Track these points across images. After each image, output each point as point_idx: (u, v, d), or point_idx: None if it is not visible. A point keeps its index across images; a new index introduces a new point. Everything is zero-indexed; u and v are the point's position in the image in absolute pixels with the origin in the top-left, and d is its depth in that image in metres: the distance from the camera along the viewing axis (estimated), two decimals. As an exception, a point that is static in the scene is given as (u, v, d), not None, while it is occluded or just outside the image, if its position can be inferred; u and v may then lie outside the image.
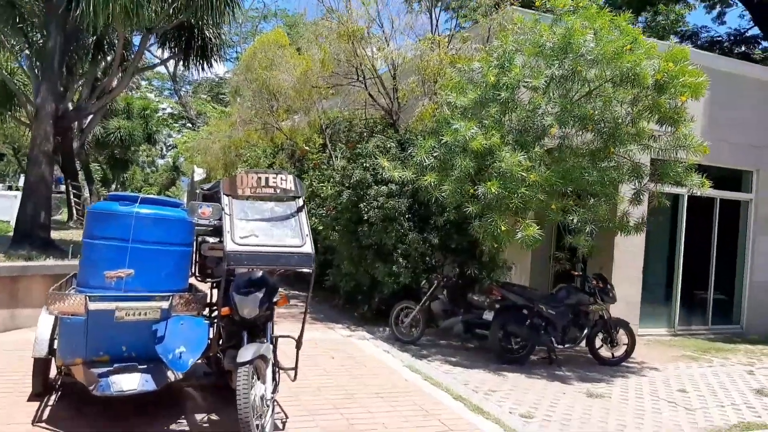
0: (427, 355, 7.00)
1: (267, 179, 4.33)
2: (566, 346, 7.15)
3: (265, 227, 4.25)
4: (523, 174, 6.13)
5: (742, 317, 10.32)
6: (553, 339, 7.05)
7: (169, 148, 39.73)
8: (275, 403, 4.26)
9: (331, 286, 9.77)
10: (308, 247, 4.11)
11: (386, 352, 6.92)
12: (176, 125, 38.21)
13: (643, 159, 7.25)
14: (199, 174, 24.02)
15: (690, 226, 9.97)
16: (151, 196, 4.90)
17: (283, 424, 4.37)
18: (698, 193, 7.56)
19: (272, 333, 4.37)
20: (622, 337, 7.36)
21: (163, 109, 37.34)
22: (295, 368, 4.49)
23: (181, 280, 4.58)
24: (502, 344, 7.03)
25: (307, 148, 10.98)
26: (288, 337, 4.50)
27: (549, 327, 7.06)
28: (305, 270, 4.15)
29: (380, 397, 5.16)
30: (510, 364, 6.86)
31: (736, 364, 7.60)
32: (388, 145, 8.50)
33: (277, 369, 4.33)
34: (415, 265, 8.00)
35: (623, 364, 7.23)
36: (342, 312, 9.25)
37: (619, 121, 6.65)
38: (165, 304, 4.19)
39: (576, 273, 8.09)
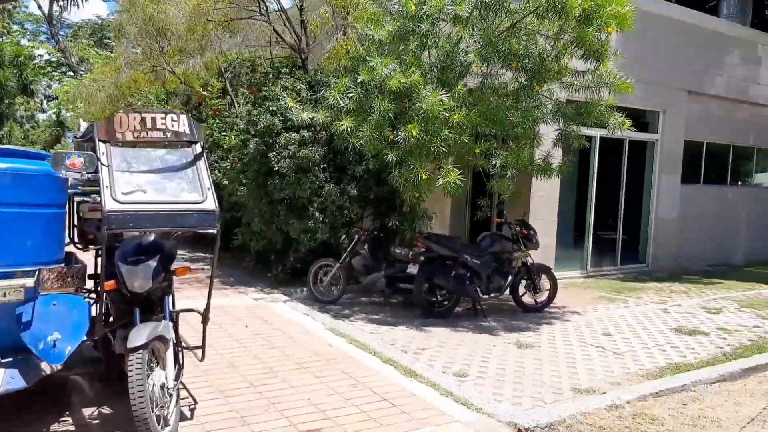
0: (350, 315, 6.55)
1: (153, 120, 3.54)
2: (492, 295, 6.97)
3: (154, 180, 3.50)
4: (445, 114, 5.68)
5: (647, 256, 10.74)
6: (478, 289, 6.82)
7: (50, 100, 35.81)
8: (180, 389, 3.63)
9: (240, 246, 9.01)
10: (210, 203, 3.42)
11: (306, 314, 6.39)
12: (56, 74, 34.39)
13: (560, 99, 7.03)
14: (85, 127, 21.72)
15: (601, 168, 10.08)
16: (7, 146, 3.95)
17: (192, 411, 3.75)
18: (619, 134, 7.49)
19: (171, 308, 3.68)
20: (545, 282, 7.28)
21: (40, 55, 33.34)
22: (203, 346, 3.85)
23: (52, 250, 3.74)
24: (427, 298, 6.71)
25: (204, 93, 9.88)
26: (192, 311, 3.82)
27: (474, 277, 6.82)
28: (209, 231, 3.46)
29: (303, 368, 4.65)
30: (435, 318, 6.58)
31: (650, 303, 7.79)
32: (298, 87, 7.72)
33: (180, 349, 3.67)
34: (333, 219, 7.45)
35: (546, 309, 7.18)
36: (254, 274, 8.57)
37: (544, 56, 6.32)
38: (29, 282, 3.40)
39: (499, 220, 7.89)
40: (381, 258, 7.27)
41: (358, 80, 5.95)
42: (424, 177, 5.97)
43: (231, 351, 5.00)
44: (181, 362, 3.63)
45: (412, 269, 6.85)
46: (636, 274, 10.17)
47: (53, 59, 33.75)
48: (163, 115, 3.57)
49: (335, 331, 5.72)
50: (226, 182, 8.75)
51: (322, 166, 7.42)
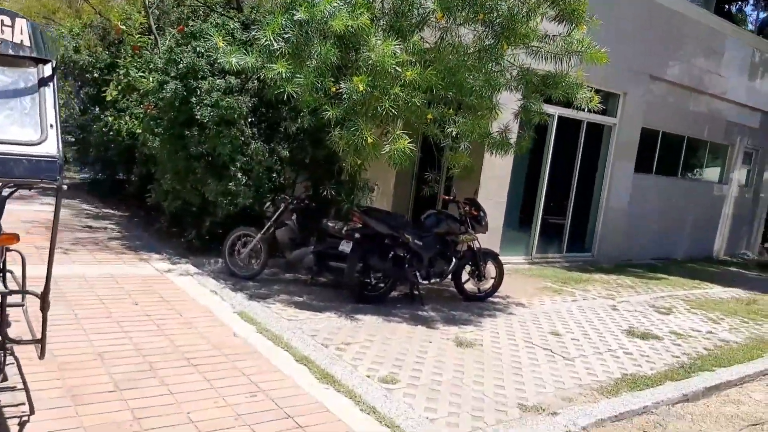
0: (268, 296, 5.64)
1: None
2: (432, 281, 6.23)
3: None
4: (397, 69, 4.79)
5: (594, 245, 10.30)
6: (417, 273, 6.05)
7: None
8: (11, 391, 2.66)
9: (155, 206, 7.88)
10: (52, 146, 2.40)
11: (214, 292, 5.43)
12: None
13: (526, 65, 6.26)
14: None
15: (556, 149, 9.47)
16: None
17: (22, 425, 2.77)
18: (585, 112, 6.85)
19: None
20: (490, 269, 6.60)
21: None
22: (42, 340, 2.81)
23: None
24: (359, 279, 5.89)
25: (122, 26, 8.51)
26: (25, 293, 2.80)
27: (414, 259, 6.04)
28: (48, 185, 2.44)
29: (193, 365, 3.72)
30: (368, 303, 5.77)
31: (598, 297, 7.27)
32: (231, 26, 6.59)
33: (4, 345, 2.67)
34: (259, 182, 6.46)
35: (489, 299, 6.51)
36: (166, 238, 7.47)
37: (515, 11, 5.48)
38: None
39: (446, 197, 7.12)
40: (311, 231, 6.37)
41: (296, 17, 4.95)
42: (369, 141, 5.09)
43: (105, 337, 4.00)
44: (1, 362, 2.62)
45: (345, 247, 5.99)
46: (581, 263, 9.70)
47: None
48: None
49: (244, 316, 4.80)
50: (140, 130, 7.56)
51: (250, 120, 6.39)
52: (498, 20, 5.41)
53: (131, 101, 8.06)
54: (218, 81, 6.30)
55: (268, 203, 6.63)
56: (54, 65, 2.64)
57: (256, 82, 6.44)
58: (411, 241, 5.96)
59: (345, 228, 6.15)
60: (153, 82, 7.31)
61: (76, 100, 10.63)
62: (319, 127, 6.08)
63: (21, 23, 2.54)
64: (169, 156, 6.81)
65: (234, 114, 6.20)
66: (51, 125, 2.46)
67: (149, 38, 8.91)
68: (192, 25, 7.15)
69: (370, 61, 4.82)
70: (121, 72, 8.20)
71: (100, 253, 6.46)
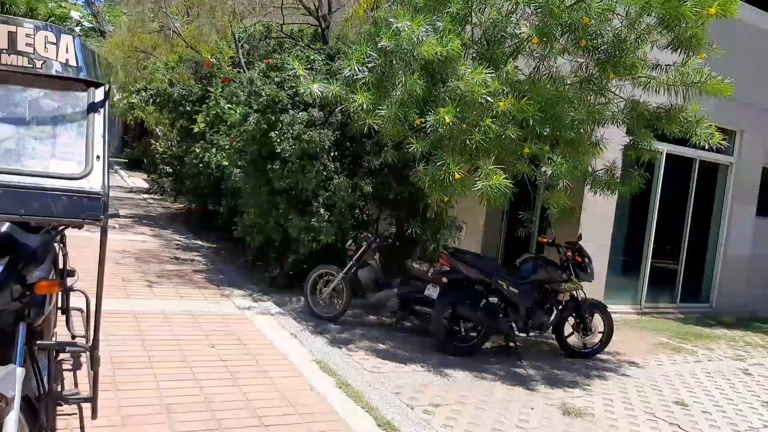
0: (350, 341, 5.21)
1: (13, 37, 2.13)
2: (531, 334, 5.56)
3: (10, 135, 2.18)
4: (488, 99, 4.32)
5: (712, 295, 9.14)
6: (513, 325, 5.42)
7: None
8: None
9: (241, 238, 7.77)
10: (96, 181, 2.08)
11: (293, 335, 5.06)
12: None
13: (635, 97, 5.57)
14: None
15: (665, 189, 8.55)
16: None
17: (73, 494, 2.45)
18: (704, 147, 6.02)
19: (40, 341, 2.35)
20: (597, 322, 5.83)
21: (72, 17, 32.78)
22: (94, 399, 2.47)
23: None
24: (447, 328, 5.34)
25: (212, 60, 8.62)
26: (74, 347, 2.48)
27: (509, 309, 5.42)
28: (94, 224, 2.09)
29: (265, 425, 3.31)
30: (457, 355, 5.20)
31: (724, 357, 6.26)
32: (313, 58, 6.40)
33: (44, 407, 2.32)
34: (341, 219, 6.12)
35: (597, 356, 5.73)
36: (250, 272, 7.30)
37: (622, 37, 4.88)
38: None
39: (544, 240, 6.44)
40: (395, 272, 5.94)
41: (379, 45, 4.62)
42: (457, 176, 4.62)
43: (175, 385, 3.70)
44: (43, 423, 2.29)
45: (432, 291, 5.48)
46: (698, 315, 8.59)
47: (85, 23, 33.34)
48: (30, 31, 2.16)
49: (323, 366, 4.38)
50: (225, 163, 7.52)
51: (332, 153, 6.11)
52: (602, 47, 4.83)
53: (219, 133, 8.10)
54: (301, 114, 6.09)
55: (350, 241, 6.27)
56: (107, 89, 2.37)
57: (339, 115, 6.19)
58: (505, 288, 5.36)
59: (431, 271, 5.66)
60: (238, 114, 7.26)
61: (174, 132, 10.98)
62: (403, 162, 5.70)
63: (67, 40, 2.25)
64: (253, 190, 6.65)
65: (317, 148, 5.94)
66: (98, 156, 2.15)
67: (239, 71, 9.02)
68: (277, 58, 7.05)
69: (459, 91, 4.39)
70: (211, 103, 8.28)
71: (184, 287, 6.33)
